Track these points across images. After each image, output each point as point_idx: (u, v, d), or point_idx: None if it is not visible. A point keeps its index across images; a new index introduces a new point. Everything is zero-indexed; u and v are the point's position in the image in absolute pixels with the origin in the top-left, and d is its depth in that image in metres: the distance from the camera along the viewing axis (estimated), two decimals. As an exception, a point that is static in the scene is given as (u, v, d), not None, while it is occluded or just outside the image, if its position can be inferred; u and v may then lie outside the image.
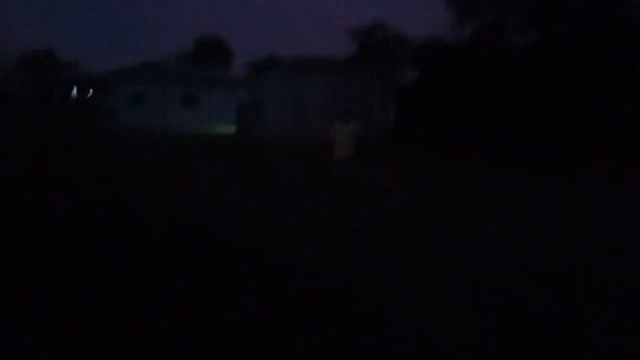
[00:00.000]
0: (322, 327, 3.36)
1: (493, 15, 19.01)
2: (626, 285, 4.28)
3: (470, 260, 4.87)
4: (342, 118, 9.16)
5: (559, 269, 4.75)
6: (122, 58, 64.00)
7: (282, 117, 23.31)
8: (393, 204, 7.85)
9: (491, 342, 3.14)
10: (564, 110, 14.13)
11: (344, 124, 8.75)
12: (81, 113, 32.96)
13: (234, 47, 55.43)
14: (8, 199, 7.18)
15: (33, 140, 16.02)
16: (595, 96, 13.12)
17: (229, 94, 35.61)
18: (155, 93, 35.11)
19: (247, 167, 12.85)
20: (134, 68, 36.75)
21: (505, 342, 3.17)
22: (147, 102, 35.19)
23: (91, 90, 39.02)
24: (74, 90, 39.71)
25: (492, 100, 16.68)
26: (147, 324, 3.27)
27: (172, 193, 8.69)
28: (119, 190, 8.53)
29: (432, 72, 23.64)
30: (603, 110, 13.20)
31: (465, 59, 19.75)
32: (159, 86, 35.13)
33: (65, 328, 3.17)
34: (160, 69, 38.48)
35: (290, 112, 23.28)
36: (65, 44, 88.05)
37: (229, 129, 30.16)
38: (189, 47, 53.52)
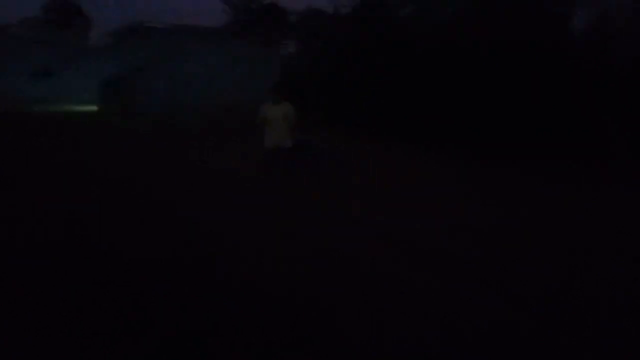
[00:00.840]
0: None
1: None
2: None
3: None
4: (272, 95, 6.18)
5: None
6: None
7: (159, 92, 20.85)
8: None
9: None
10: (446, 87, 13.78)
11: (273, 104, 6.10)
12: None
13: (90, 14, 49.86)
14: None
15: None
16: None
17: (90, 67, 31.62)
18: (-3, 64, 29.92)
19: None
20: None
21: None
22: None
23: None
24: None
25: (374, 78, 16.31)
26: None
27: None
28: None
29: (314, 44, 23.06)
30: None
31: (346, 31, 19.41)
32: (1, 56, 29.95)
33: None
34: (2, 35, 32.78)
35: (169, 86, 20.92)
36: None
37: (92, 107, 26.74)
38: (36, 13, 46.91)
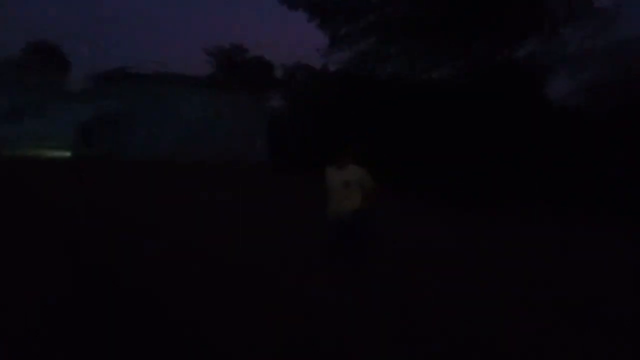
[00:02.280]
0: None
1: (368, 45, 19.04)
2: None
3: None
4: (339, 155, 4.94)
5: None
6: None
7: (142, 137, 20.29)
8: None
9: None
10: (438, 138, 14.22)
11: (341, 167, 4.92)
12: None
13: (70, 58, 49.73)
14: None
15: None
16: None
17: (66, 111, 31.03)
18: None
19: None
20: None
21: None
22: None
23: None
24: None
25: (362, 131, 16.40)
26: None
27: None
28: None
29: (304, 98, 23.17)
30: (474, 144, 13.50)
31: (335, 87, 19.57)
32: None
33: None
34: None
35: (153, 131, 20.40)
36: None
37: (64, 153, 25.92)
38: (15, 54, 46.54)
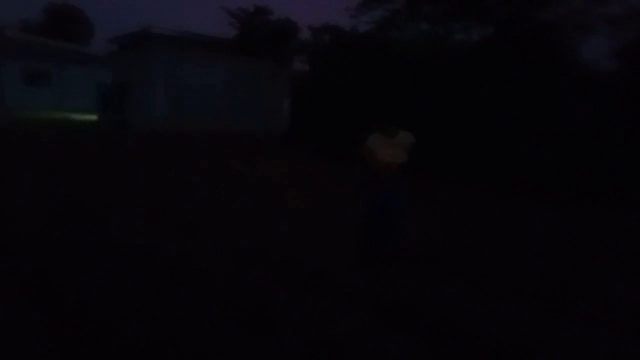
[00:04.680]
0: None
1: (399, 4, 18.40)
2: None
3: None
4: (383, 120, 4.80)
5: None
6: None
7: (162, 103, 20.29)
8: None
9: None
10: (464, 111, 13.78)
11: (387, 132, 4.76)
12: None
13: (92, 21, 49.92)
14: None
15: None
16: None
17: (89, 74, 31.31)
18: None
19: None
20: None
21: None
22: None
23: None
24: None
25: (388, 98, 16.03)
26: None
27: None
28: None
29: (330, 62, 22.73)
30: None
31: (364, 49, 19.09)
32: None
33: None
34: (-2, 37, 32.48)
35: (173, 98, 20.34)
36: None
37: (89, 116, 26.31)
38: (36, 17, 46.93)
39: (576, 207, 8.88)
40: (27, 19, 44.52)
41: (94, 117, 25.18)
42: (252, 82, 22.53)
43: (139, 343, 3.08)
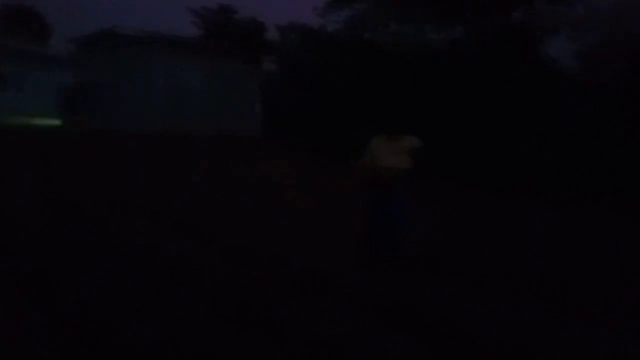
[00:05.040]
0: None
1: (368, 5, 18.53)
2: None
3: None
4: (385, 122, 4.65)
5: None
6: None
7: (130, 104, 19.76)
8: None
9: None
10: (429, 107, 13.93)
11: (391, 136, 4.60)
12: None
13: (48, 21, 48.23)
14: None
15: None
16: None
17: (48, 75, 30.24)
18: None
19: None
20: None
21: None
22: None
23: None
24: None
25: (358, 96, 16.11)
26: None
27: None
28: None
29: (299, 60, 22.69)
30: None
31: (333, 48, 19.14)
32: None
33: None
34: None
35: (141, 98, 19.84)
36: None
37: (51, 120, 25.43)
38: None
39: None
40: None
41: (56, 122, 24.42)
42: (222, 82, 22.25)
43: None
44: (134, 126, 19.07)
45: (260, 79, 23.89)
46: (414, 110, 14.32)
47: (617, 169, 10.92)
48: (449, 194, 10.22)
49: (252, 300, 3.81)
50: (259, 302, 3.79)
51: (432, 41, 17.18)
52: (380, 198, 4.67)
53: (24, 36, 41.08)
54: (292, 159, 15.01)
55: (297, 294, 4.01)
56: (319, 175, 11.76)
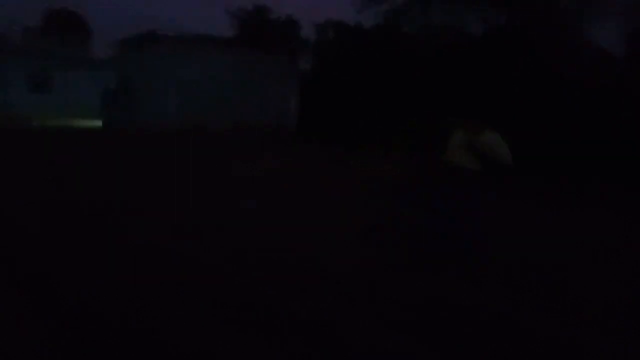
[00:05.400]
0: None
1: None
2: None
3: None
4: (468, 114, 4.32)
5: None
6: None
7: (168, 104, 20.16)
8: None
9: None
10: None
11: (471, 129, 4.19)
12: None
13: (91, 25, 49.68)
14: None
15: None
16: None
17: (92, 78, 31.15)
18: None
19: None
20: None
21: None
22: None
23: None
24: None
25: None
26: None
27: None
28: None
29: (335, 58, 22.57)
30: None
31: (370, 44, 18.91)
32: (-2, 66, 29.37)
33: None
34: (-1, 44, 32.20)
35: (180, 98, 20.20)
36: None
37: (95, 120, 26.16)
38: (35, 22, 46.76)
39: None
40: (27, 26, 44.34)
41: (99, 123, 25.10)
42: (260, 79, 22.42)
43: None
44: (177, 123, 19.40)
45: (296, 75, 23.94)
46: (456, 102, 14.06)
47: (624, 165, 10.44)
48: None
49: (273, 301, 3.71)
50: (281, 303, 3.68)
51: (473, 31, 16.75)
52: (440, 197, 4.28)
53: (68, 40, 42.40)
54: (323, 155, 15.00)
55: (324, 296, 3.87)
56: (348, 171, 11.65)
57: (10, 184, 8.30)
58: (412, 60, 15.81)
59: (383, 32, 18.52)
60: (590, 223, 7.24)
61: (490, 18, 16.13)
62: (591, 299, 3.99)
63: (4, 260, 4.42)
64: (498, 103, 11.95)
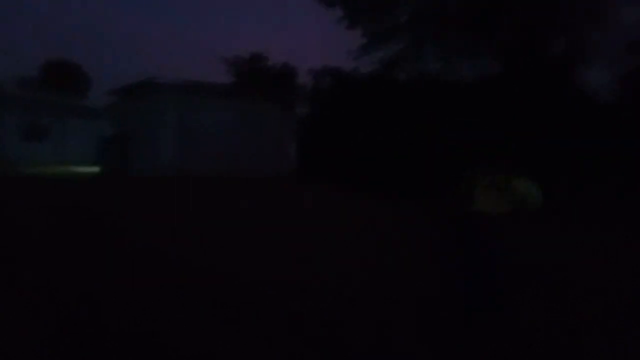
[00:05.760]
0: None
1: (404, 44, 18.53)
2: None
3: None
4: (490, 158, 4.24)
5: None
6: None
7: (169, 149, 20.05)
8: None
9: None
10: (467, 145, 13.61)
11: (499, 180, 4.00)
12: None
13: (89, 74, 50.36)
14: None
15: None
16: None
17: (89, 126, 31.28)
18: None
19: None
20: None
21: None
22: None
23: None
24: None
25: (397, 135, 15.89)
26: None
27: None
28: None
29: (334, 104, 22.75)
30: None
31: (368, 91, 19.11)
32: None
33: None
34: (-4, 92, 32.41)
35: (180, 144, 20.10)
36: None
37: (91, 167, 26.07)
38: (34, 72, 47.34)
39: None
40: (24, 76, 44.86)
41: (95, 169, 24.99)
42: (257, 126, 22.48)
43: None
44: (174, 170, 19.22)
45: (294, 121, 24.05)
46: (452, 147, 14.05)
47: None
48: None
49: None
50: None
51: (468, 78, 16.99)
52: (465, 242, 4.06)
53: (65, 89, 42.84)
54: (322, 197, 14.90)
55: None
56: (352, 212, 11.53)
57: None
58: (403, 107, 15.93)
59: (379, 78, 18.71)
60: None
61: (484, 66, 16.41)
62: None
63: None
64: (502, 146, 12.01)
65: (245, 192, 15.89)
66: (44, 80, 45.66)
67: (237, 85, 31.98)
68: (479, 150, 4.41)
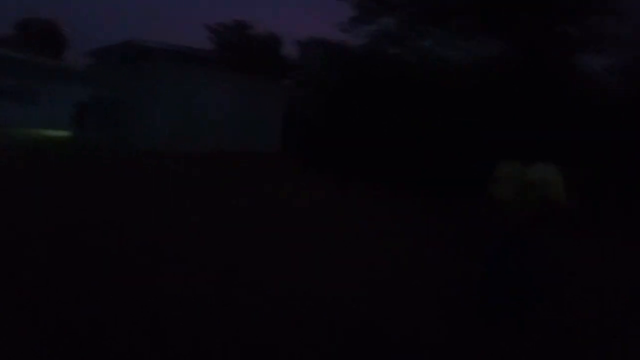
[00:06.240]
0: None
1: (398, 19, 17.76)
2: None
3: None
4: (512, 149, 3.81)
5: None
6: None
7: (144, 119, 18.89)
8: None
9: None
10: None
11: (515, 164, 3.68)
12: None
13: (66, 34, 48.35)
14: None
15: None
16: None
17: (66, 89, 29.97)
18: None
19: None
20: None
21: None
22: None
23: None
24: None
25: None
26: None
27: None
28: None
29: (321, 77, 22.14)
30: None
31: (358, 64, 18.50)
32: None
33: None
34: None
35: (156, 113, 18.85)
36: None
37: (64, 132, 25.13)
38: (9, 32, 45.32)
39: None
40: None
41: (68, 134, 24.04)
42: (241, 98, 21.55)
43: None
44: (148, 143, 18.14)
45: (281, 95, 23.25)
46: (437, 131, 13.59)
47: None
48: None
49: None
50: None
51: (461, 57, 16.46)
52: (501, 245, 3.70)
53: (41, 50, 41.06)
54: (305, 181, 14.51)
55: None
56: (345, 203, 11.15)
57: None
58: (394, 84, 15.39)
59: (369, 53, 18.04)
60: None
61: (477, 46, 15.87)
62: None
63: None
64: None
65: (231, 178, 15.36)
66: (18, 39, 43.76)
67: (220, 53, 30.85)
68: (485, 140, 4.04)
